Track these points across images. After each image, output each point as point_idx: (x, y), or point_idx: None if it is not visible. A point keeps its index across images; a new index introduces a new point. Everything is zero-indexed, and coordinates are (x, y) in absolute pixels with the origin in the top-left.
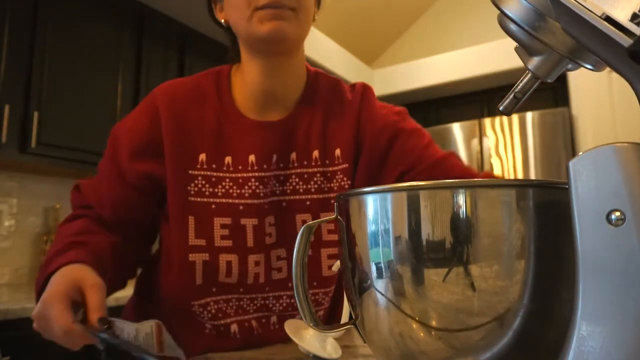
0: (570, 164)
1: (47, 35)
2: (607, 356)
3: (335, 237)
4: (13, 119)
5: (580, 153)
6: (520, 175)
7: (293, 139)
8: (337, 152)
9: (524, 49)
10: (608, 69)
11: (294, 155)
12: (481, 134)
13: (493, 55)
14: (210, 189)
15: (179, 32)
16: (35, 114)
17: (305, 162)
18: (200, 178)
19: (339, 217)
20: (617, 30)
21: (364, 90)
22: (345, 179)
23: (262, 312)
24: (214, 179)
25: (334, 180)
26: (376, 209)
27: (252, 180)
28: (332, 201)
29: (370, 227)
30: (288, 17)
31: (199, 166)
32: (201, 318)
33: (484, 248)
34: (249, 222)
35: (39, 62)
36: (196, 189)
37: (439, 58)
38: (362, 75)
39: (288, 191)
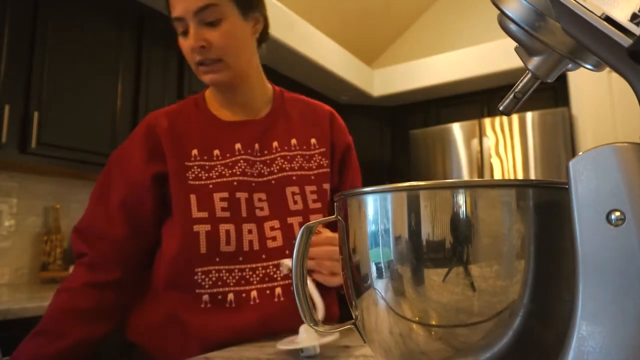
0: (570, 164)
1: (47, 35)
2: (607, 356)
3: (319, 204)
4: (13, 119)
5: (580, 153)
6: (520, 175)
7: (273, 131)
8: (313, 140)
9: (524, 49)
10: (608, 69)
11: (275, 143)
12: (481, 134)
13: (493, 55)
14: (206, 174)
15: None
16: (35, 114)
17: (286, 147)
18: (195, 167)
19: (339, 217)
20: (617, 30)
21: (331, 108)
22: (323, 159)
23: (265, 282)
24: (207, 167)
25: (313, 161)
26: (376, 209)
27: (241, 161)
28: (313, 177)
29: (370, 227)
30: (219, 69)
31: (192, 158)
32: (201, 286)
33: (484, 248)
34: (242, 196)
35: (39, 62)
36: (193, 175)
37: (439, 58)
38: (362, 75)
39: (275, 170)
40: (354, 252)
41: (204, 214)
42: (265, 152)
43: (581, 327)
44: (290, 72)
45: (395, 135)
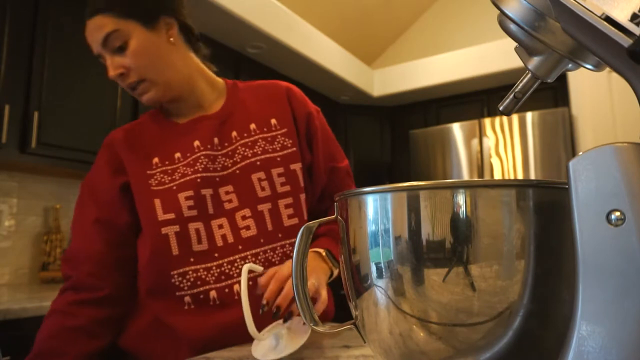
0: (570, 164)
1: (47, 35)
2: (607, 356)
3: (288, 187)
4: (13, 119)
5: (580, 153)
6: (520, 175)
7: (231, 121)
8: (273, 121)
9: (524, 49)
10: (608, 69)
11: (234, 133)
12: (481, 134)
13: (493, 55)
14: (169, 178)
15: None
16: (35, 114)
17: (245, 135)
18: (158, 174)
19: (339, 217)
20: (617, 30)
21: (288, 83)
22: (286, 139)
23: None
24: (169, 170)
25: (276, 142)
26: (376, 209)
27: (202, 157)
28: (278, 159)
29: (370, 227)
30: (147, 89)
31: (154, 166)
32: (180, 288)
33: (484, 248)
34: (207, 192)
35: (39, 62)
36: (156, 181)
37: (439, 58)
38: (362, 75)
39: (238, 160)
40: (354, 252)
41: (171, 215)
42: (226, 144)
43: (581, 327)
44: (290, 72)
45: (395, 135)
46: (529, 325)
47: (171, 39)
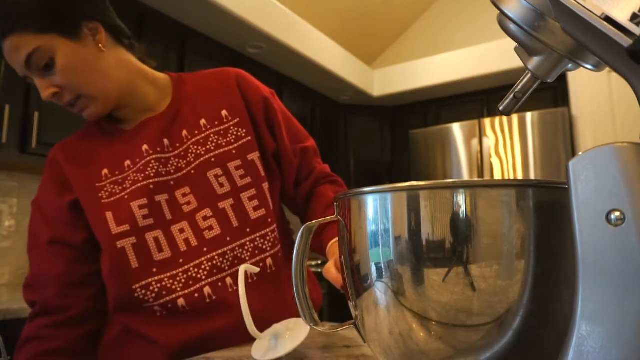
0: (570, 164)
1: None
2: (607, 356)
3: (249, 179)
4: (13, 119)
5: (580, 153)
6: (520, 175)
7: (179, 120)
8: (224, 112)
9: (524, 49)
10: (608, 69)
11: (185, 132)
12: (481, 134)
13: (493, 55)
14: (120, 187)
15: (178, 32)
16: (36, 114)
17: (196, 132)
18: (107, 185)
19: (339, 217)
20: (616, 30)
21: (237, 69)
22: (240, 129)
23: (214, 275)
24: (120, 180)
25: (229, 135)
26: (376, 209)
27: (152, 162)
28: (234, 151)
29: (370, 227)
30: (85, 104)
31: (103, 178)
32: (145, 301)
33: (484, 248)
34: (162, 198)
35: None
36: (107, 193)
37: (439, 58)
38: (362, 75)
39: (192, 159)
40: (354, 252)
41: (125, 227)
42: (177, 144)
43: (581, 327)
44: (290, 72)
45: (395, 135)
46: (529, 325)
47: (100, 45)
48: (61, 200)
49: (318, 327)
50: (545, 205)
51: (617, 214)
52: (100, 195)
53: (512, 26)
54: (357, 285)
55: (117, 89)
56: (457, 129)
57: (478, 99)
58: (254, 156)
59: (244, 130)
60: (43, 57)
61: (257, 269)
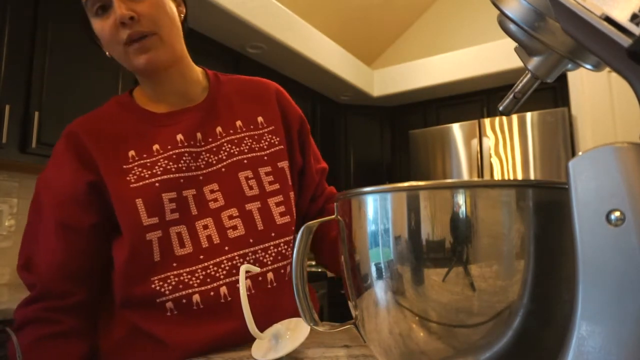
0: (570, 164)
1: (47, 35)
2: (607, 356)
3: (277, 185)
4: (13, 119)
5: (580, 153)
6: (520, 175)
7: (215, 115)
8: (260, 119)
9: (524, 49)
10: (608, 69)
11: (219, 129)
12: (481, 134)
13: (493, 55)
14: (149, 172)
15: None
16: (36, 114)
17: (231, 131)
18: (135, 168)
19: (339, 217)
20: (616, 30)
21: (275, 83)
22: (273, 137)
23: (233, 275)
24: (149, 164)
25: (262, 141)
26: (376, 209)
27: (186, 155)
28: (265, 157)
29: (370, 227)
30: (154, 45)
31: (130, 160)
32: (161, 293)
33: (484, 248)
34: (189, 193)
35: (39, 62)
36: (135, 177)
37: (439, 58)
38: (362, 75)
39: (224, 157)
40: (354, 252)
41: (155, 220)
42: (210, 139)
43: (581, 327)
44: (290, 72)
45: (395, 135)
46: (529, 325)
47: (181, 15)
48: (79, 179)
49: (318, 327)
50: (545, 205)
51: (617, 214)
52: (128, 178)
53: (512, 26)
54: (357, 285)
55: (179, 51)
56: (457, 129)
57: (478, 99)
58: (284, 164)
59: (277, 139)
60: None
61: (257, 269)
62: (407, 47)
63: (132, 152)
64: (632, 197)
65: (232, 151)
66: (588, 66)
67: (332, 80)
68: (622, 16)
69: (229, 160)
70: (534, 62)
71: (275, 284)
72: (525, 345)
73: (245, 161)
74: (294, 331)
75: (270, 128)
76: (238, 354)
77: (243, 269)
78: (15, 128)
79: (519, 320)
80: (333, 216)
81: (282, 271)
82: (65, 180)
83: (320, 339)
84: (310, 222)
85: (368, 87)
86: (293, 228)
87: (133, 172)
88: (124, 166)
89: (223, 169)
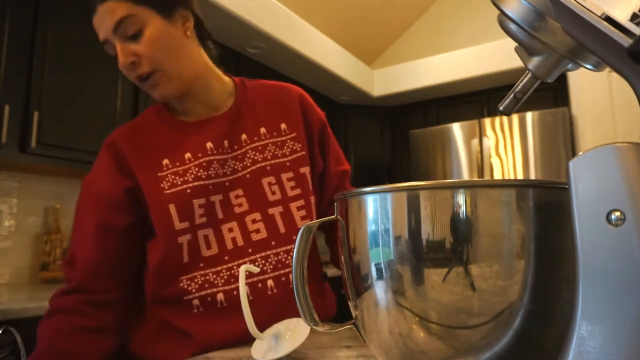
0: (570, 164)
1: (47, 35)
2: (607, 356)
3: (299, 191)
4: (13, 119)
5: (580, 153)
6: (520, 175)
7: (240, 123)
8: (283, 125)
9: (524, 49)
10: (608, 69)
11: (244, 136)
12: (481, 134)
13: (493, 55)
14: (181, 179)
15: None
16: (35, 114)
17: (255, 138)
18: (169, 176)
19: (339, 217)
20: (617, 30)
21: (299, 89)
22: (295, 143)
23: (256, 276)
24: (181, 171)
25: (285, 147)
26: (376, 209)
27: (215, 162)
28: (288, 163)
29: (370, 227)
30: (160, 80)
31: (164, 168)
32: (188, 292)
33: (484, 248)
34: (217, 199)
35: (39, 62)
36: (168, 184)
37: (439, 58)
38: (362, 75)
39: (248, 164)
40: (354, 252)
41: (185, 224)
42: (235, 147)
43: (581, 327)
44: (290, 72)
45: (395, 135)
46: (529, 325)
47: (187, 33)
48: (117, 184)
49: (318, 327)
50: (545, 205)
51: (617, 214)
52: (162, 185)
53: (512, 26)
54: (357, 285)
55: (191, 75)
56: (457, 129)
57: (478, 99)
58: (305, 170)
59: (299, 145)
60: (133, 25)
61: (257, 269)
62: (407, 47)
63: (166, 161)
64: (632, 197)
65: (256, 158)
66: (588, 66)
67: (332, 80)
68: (622, 16)
69: (253, 167)
70: (534, 62)
71: (275, 291)
72: (525, 345)
73: (269, 167)
74: (294, 331)
75: (293, 135)
76: (238, 354)
77: (243, 269)
78: (15, 128)
79: (519, 320)
80: (333, 216)
81: None
82: (105, 186)
83: (320, 339)
84: (310, 222)
85: (368, 87)
86: None
87: (167, 179)
88: (159, 173)
89: (248, 175)
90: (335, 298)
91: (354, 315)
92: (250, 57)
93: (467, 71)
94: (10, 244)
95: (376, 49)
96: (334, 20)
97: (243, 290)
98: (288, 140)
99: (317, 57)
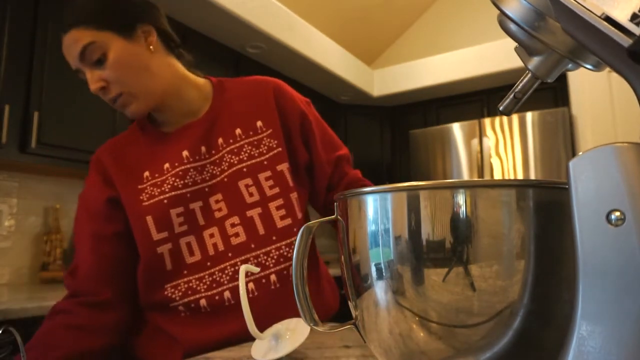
0: (570, 164)
1: (47, 35)
2: (607, 356)
3: (277, 189)
4: (13, 119)
5: (580, 153)
6: (520, 175)
7: (217, 127)
8: (259, 123)
9: (524, 49)
10: (608, 69)
11: (220, 140)
12: (481, 134)
13: (493, 55)
14: (159, 190)
15: (179, 32)
16: (35, 114)
17: (231, 141)
18: (148, 188)
19: (339, 217)
20: (616, 30)
21: (275, 80)
22: (272, 140)
23: (236, 280)
24: (159, 182)
25: (262, 146)
26: (376, 209)
27: (191, 170)
28: (265, 162)
29: (370, 227)
30: (128, 101)
31: (145, 180)
32: (173, 299)
33: (484, 248)
34: (196, 206)
35: (39, 62)
36: (147, 195)
37: (439, 58)
38: (362, 75)
39: (225, 167)
40: (354, 252)
41: (164, 234)
42: (213, 151)
43: (581, 327)
44: (290, 72)
45: (395, 135)
46: (529, 325)
47: (151, 47)
48: (102, 195)
49: (318, 327)
50: (545, 205)
51: (617, 214)
52: (141, 197)
53: (512, 26)
54: (357, 285)
55: (161, 90)
56: (457, 129)
57: (478, 99)
58: (284, 167)
59: (276, 142)
60: (97, 51)
61: (257, 269)
62: (407, 47)
63: (146, 173)
64: (632, 197)
65: (232, 161)
66: (588, 66)
67: (332, 80)
68: (622, 16)
69: (230, 170)
70: (534, 62)
71: (278, 285)
72: (525, 345)
73: (245, 169)
74: (294, 331)
75: (269, 131)
76: (238, 354)
77: (243, 269)
78: (15, 128)
79: (519, 320)
80: (333, 216)
81: (285, 272)
82: (93, 197)
83: (320, 339)
84: (310, 222)
85: (368, 87)
86: (295, 229)
87: (146, 191)
88: (139, 186)
89: (225, 179)
90: (338, 295)
91: (354, 315)
92: (250, 57)
93: (467, 71)
94: (10, 244)
95: (376, 49)
96: (334, 20)
97: (243, 290)
98: (264, 138)
99: (317, 57)
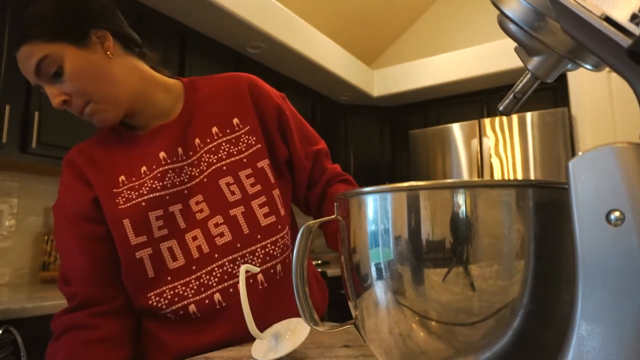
0: (570, 164)
1: None
2: (607, 356)
3: (259, 187)
4: (13, 119)
5: (580, 153)
6: (520, 175)
7: (192, 127)
8: (235, 120)
9: (524, 49)
10: (608, 69)
11: (197, 140)
12: (481, 134)
13: (493, 55)
14: (136, 193)
15: (179, 32)
16: (36, 114)
17: (208, 140)
18: (125, 191)
19: (339, 217)
20: (616, 31)
21: (249, 75)
22: (250, 137)
23: (225, 281)
24: (137, 186)
25: (240, 143)
26: (376, 209)
27: (170, 172)
28: (244, 160)
29: (370, 227)
30: (93, 111)
31: (120, 184)
32: (159, 308)
33: (484, 248)
34: (176, 208)
35: None
36: (123, 199)
37: (439, 58)
38: (362, 75)
39: (204, 168)
40: (354, 252)
41: (143, 238)
42: (190, 153)
43: (581, 327)
44: (290, 72)
45: (395, 135)
46: (529, 325)
47: (108, 52)
48: (85, 196)
49: (318, 327)
50: (545, 205)
51: (617, 214)
52: (117, 201)
53: (512, 26)
54: (357, 285)
55: (127, 95)
56: (457, 129)
57: (478, 99)
58: (264, 164)
59: (254, 138)
60: (52, 65)
61: (257, 269)
62: (407, 47)
63: (122, 177)
64: (632, 197)
65: (211, 160)
66: (588, 66)
67: (332, 80)
68: (622, 16)
69: (209, 170)
70: (534, 62)
71: (266, 285)
72: (525, 345)
73: (225, 167)
74: (294, 331)
75: (246, 128)
76: (238, 354)
77: (243, 268)
78: (15, 128)
79: (519, 320)
80: (333, 216)
81: (272, 271)
82: (74, 200)
83: (320, 339)
84: (310, 222)
85: (368, 87)
86: (279, 226)
87: (122, 195)
88: (114, 190)
89: (205, 180)
90: (327, 297)
91: (354, 315)
92: (250, 57)
93: (467, 71)
94: (10, 244)
95: (376, 49)
96: (334, 20)
97: (243, 290)
98: (242, 135)
99: (317, 57)
